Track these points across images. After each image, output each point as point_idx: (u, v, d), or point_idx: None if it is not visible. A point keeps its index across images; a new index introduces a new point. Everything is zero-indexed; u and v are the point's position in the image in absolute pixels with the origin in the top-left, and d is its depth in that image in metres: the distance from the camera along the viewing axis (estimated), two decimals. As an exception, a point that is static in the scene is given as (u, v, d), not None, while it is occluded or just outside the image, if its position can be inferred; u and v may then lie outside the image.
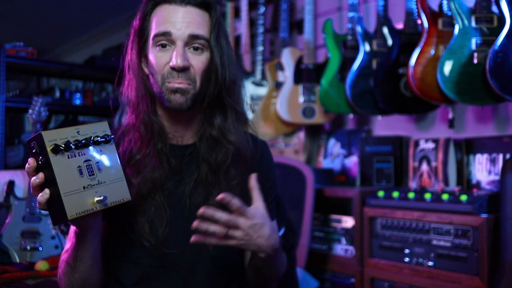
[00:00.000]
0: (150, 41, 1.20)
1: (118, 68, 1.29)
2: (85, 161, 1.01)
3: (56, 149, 0.96)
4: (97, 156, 1.03)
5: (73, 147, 0.98)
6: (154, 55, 1.19)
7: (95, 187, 1.01)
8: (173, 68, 1.16)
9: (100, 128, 1.05)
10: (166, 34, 1.16)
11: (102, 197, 1.00)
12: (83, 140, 1.00)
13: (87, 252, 1.12)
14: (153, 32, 1.19)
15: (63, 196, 0.95)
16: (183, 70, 1.16)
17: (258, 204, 1.15)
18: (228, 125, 1.25)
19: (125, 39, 1.28)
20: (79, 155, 1.00)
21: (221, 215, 1.07)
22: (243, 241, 1.11)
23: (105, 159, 1.04)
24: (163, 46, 1.18)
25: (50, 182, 0.96)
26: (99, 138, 1.03)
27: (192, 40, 1.17)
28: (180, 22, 1.17)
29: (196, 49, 1.18)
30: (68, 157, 0.98)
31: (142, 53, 1.23)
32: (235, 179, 1.25)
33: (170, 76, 1.17)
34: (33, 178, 0.97)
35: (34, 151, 0.97)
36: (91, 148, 1.02)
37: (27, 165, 0.97)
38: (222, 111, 1.25)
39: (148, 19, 1.21)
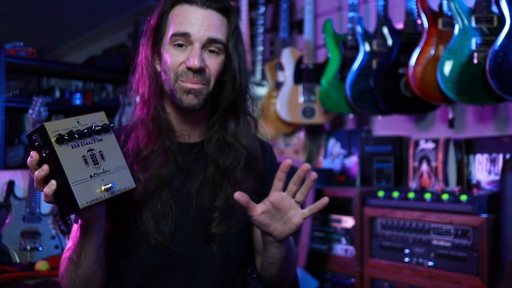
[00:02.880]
0: (167, 39, 1.21)
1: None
2: (89, 150, 1.01)
3: (61, 139, 0.95)
4: (99, 145, 1.03)
5: (76, 136, 0.98)
6: (170, 53, 1.20)
7: (101, 175, 1.01)
8: (189, 68, 1.18)
9: (98, 118, 1.06)
10: (185, 35, 1.18)
11: (110, 185, 1.00)
12: (84, 129, 1.00)
13: (92, 246, 1.11)
14: (171, 31, 1.20)
15: (73, 186, 0.94)
16: (199, 71, 1.18)
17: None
18: (241, 130, 1.27)
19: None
20: (82, 145, 1.00)
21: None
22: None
23: (107, 148, 1.05)
24: (180, 45, 1.19)
25: (55, 173, 0.95)
26: (99, 127, 1.03)
27: (209, 43, 1.19)
28: (200, 25, 1.18)
29: (212, 51, 1.21)
30: (72, 147, 0.97)
31: (155, 50, 1.24)
32: (242, 183, 1.25)
33: (184, 75, 1.19)
34: (38, 171, 0.95)
35: (36, 144, 0.96)
36: (93, 137, 1.02)
37: (29, 159, 0.96)
38: (235, 116, 1.27)
39: (165, 17, 1.23)
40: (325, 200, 1.11)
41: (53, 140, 0.94)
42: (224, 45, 1.22)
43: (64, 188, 0.95)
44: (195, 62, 1.16)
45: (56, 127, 0.96)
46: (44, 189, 0.96)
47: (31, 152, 0.96)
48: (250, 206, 1.11)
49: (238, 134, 1.26)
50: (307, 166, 1.07)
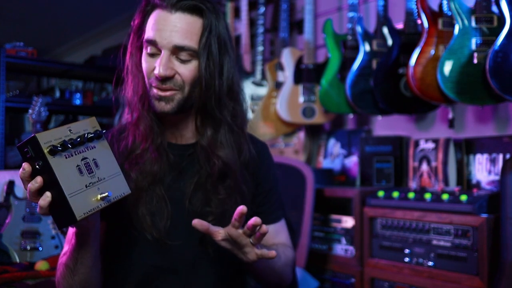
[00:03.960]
0: (144, 44, 1.20)
1: (118, 68, 1.29)
2: (82, 159, 0.99)
3: (54, 151, 0.92)
4: (92, 152, 1.01)
5: (69, 146, 0.95)
6: (144, 59, 1.19)
7: (96, 184, 0.99)
8: (156, 77, 1.16)
9: (90, 124, 1.04)
10: (152, 43, 1.16)
11: (106, 193, 0.99)
12: (77, 138, 0.98)
13: (88, 253, 1.10)
14: (144, 37, 1.18)
15: (69, 198, 0.92)
16: (166, 79, 1.15)
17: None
18: (220, 138, 1.23)
19: (125, 39, 1.28)
20: (75, 154, 0.97)
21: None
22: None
23: (100, 155, 1.03)
24: (152, 51, 1.17)
25: (50, 185, 0.93)
26: (92, 134, 1.02)
27: (177, 50, 1.15)
28: (167, 31, 1.14)
29: (182, 58, 1.16)
30: (66, 157, 0.95)
31: (140, 53, 1.23)
32: (234, 188, 1.24)
33: (154, 82, 1.17)
34: (31, 183, 0.93)
35: (28, 155, 0.92)
36: (85, 145, 1.00)
37: (21, 171, 0.93)
38: (214, 122, 1.23)
39: (145, 20, 1.20)
40: (272, 253, 1.10)
41: (46, 151, 0.91)
42: (194, 51, 1.16)
43: (60, 200, 0.93)
44: (160, 71, 1.13)
45: (48, 137, 0.93)
46: (38, 202, 0.93)
47: (23, 164, 0.93)
48: (211, 232, 1.08)
49: (215, 142, 1.22)
50: (256, 220, 1.04)
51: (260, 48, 3.05)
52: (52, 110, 3.58)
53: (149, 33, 1.17)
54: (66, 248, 1.18)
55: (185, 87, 1.17)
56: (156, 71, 1.14)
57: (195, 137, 1.28)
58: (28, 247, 2.17)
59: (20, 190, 2.32)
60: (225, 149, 1.22)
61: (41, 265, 2.03)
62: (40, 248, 2.18)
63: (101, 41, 5.49)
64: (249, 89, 3.05)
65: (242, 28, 3.19)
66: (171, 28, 1.14)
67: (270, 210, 1.36)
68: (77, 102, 3.96)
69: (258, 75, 3.05)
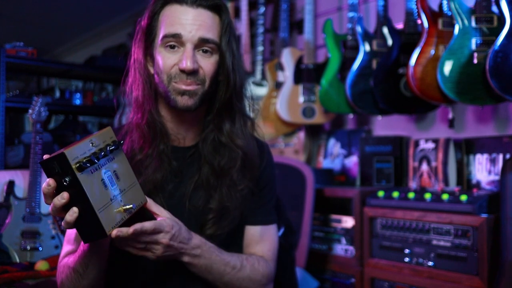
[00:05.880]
0: (159, 41, 1.19)
1: (119, 68, 1.28)
2: (105, 172, 0.99)
3: (82, 167, 0.92)
4: (112, 164, 1.02)
5: (96, 161, 0.95)
6: (162, 55, 1.18)
7: (119, 196, 1.00)
8: (182, 70, 1.15)
9: (108, 135, 1.04)
10: (176, 36, 1.16)
11: (131, 205, 0.99)
12: (101, 152, 0.98)
13: (102, 259, 1.10)
14: (162, 33, 1.18)
15: (98, 213, 0.93)
16: (192, 72, 1.15)
17: (163, 214, 1.11)
18: (236, 130, 1.25)
19: (126, 39, 1.28)
20: (99, 168, 0.98)
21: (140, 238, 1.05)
22: (168, 253, 1.09)
23: (119, 166, 1.03)
24: (172, 47, 1.17)
25: (76, 200, 0.93)
26: (113, 146, 1.02)
27: (202, 43, 1.17)
28: (191, 25, 1.16)
29: (205, 51, 1.18)
30: (91, 172, 0.95)
31: (148, 52, 1.22)
32: (238, 184, 1.24)
33: (178, 77, 1.16)
34: (57, 199, 0.92)
35: (55, 171, 0.92)
36: (107, 158, 1.01)
37: (45, 186, 0.92)
38: (230, 116, 1.25)
39: (156, 18, 1.21)
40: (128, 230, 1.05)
41: (74, 167, 0.91)
42: (217, 44, 1.19)
43: (87, 215, 0.93)
44: (187, 64, 1.14)
45: (75, 153, 0.93)
46: (65, 217, 0.93)
47: (48, 180, 0.93)
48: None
49: (233, 134, 1.24)
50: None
51: (260, 48, 3.05)
52: (52, 110, 3.57)
53: (170, 28, 1.17)
54: (68, 248, 1.17)
55: (206, 82, 1.19)
56: (183, 65, 1.15)
57: (197, 137, 1.27)
58: (28, 247, 2.17)
59: (20, 190, 2.32)
60: (242, 139, 1.25)
61: (41, 265, 2.03)
62: (40, 248, 2.18)
63: (101, 41, 5.49)
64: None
65: (242, 28, 3.19)
66: (195, 22, 1.16)
67: (259, 211, 1.33)
68: (77, 102, 3.96)
69: (258, 75, 3.04)
